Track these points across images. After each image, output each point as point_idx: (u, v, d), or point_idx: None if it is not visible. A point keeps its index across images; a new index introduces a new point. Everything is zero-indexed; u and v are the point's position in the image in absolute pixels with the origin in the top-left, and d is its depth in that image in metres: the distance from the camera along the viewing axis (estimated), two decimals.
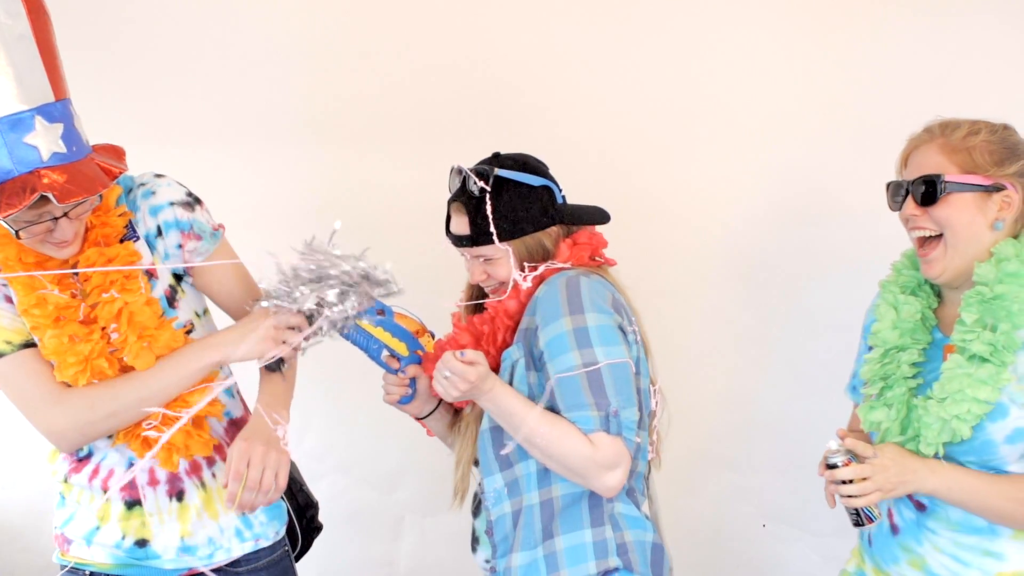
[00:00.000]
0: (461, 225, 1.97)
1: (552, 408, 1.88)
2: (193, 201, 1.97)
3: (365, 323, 1.93)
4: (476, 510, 2.03)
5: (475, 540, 2.02)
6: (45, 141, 1.69)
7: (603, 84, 2.86)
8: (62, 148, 1.70)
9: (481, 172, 1.94)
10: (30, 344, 1.89)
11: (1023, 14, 2.68)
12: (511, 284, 1.98)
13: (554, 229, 1.99)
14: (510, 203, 1.95)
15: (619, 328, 1.91)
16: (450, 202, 1.99)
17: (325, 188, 2.92)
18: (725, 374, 2.92)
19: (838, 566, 2.12)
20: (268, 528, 2.08)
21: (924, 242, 1.88)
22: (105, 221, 1.88)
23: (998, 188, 1.84)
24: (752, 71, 2.83)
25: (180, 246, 1.94)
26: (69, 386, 1.90)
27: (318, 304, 1.78)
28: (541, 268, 1.97)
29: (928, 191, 1.84)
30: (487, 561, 1.98)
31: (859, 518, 1.86)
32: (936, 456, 1.82)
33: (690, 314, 2.88)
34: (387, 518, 3.07)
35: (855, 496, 1.78)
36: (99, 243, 1.88)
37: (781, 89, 2.82)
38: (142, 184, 1.94)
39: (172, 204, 1.93)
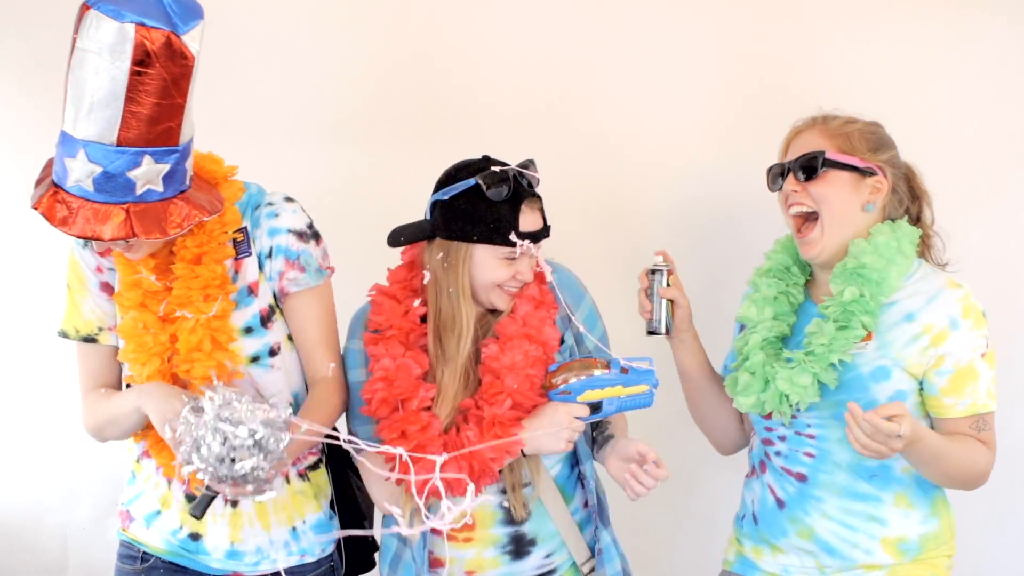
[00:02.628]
0: (538, 219, 2.01)
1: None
2: (311, 234, 2.03)
3: (615, 390, 1.98)
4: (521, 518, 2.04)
5: (529, 543, 2.04)
6: (77, 170, 1.77)
7: (593, 80, 2.87)
8: (89, 187, 1.77)
9: (532, 164, 2.00)
10: (90, 339, 2.01)
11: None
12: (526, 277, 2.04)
13: None
14: None
15: None
16: (520, 202, 1.96)
17: (324, 187, 2.91)
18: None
19: None
20: (315, 545, 2.12)
21: (802, 224, 2.02)
22: (203, 241, 1.94)
23: (871, 172, 1.99)
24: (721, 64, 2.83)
25: (281, 273, 1.99)
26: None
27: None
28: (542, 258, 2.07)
29: (809, 166, 1.98)
30: (547, 556, 2.05)
31: (658, 326, 2.13)
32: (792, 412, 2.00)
33: (692, 314, 2.87)
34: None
35: (862, 439, 1.81)
36: (191, 260, 1.94)
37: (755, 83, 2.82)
38: (270, 204, 2.01)
39: (289, 231, 2.00)
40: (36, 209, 1.79)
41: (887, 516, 1.99)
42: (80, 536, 2.95)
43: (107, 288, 2.01)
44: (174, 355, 1.98)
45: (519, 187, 1.96)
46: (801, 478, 2.03)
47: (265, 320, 2.02)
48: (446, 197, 1.97)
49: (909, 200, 2.08)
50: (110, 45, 1.69)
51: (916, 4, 2.79)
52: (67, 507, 2.95)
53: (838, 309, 1.95)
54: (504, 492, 2.03)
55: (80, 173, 1.76)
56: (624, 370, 1.98)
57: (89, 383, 2.07)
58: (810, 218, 2.02)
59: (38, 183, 1.86)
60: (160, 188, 1.81)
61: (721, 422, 2.24)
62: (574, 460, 2.12)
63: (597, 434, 2.13)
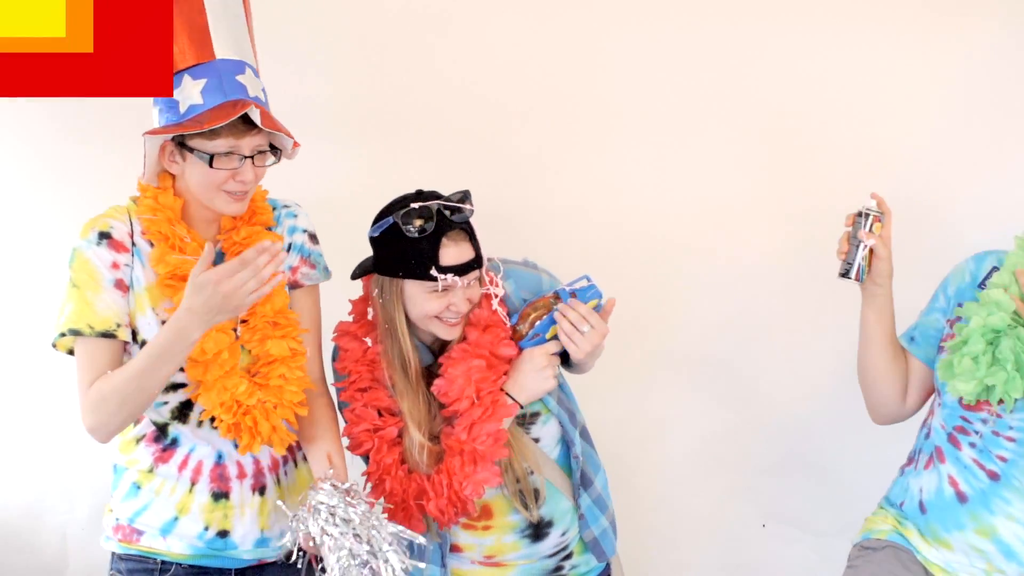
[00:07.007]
0: (464, 251, 1.98)
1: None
2: (316, 238, 2.18)
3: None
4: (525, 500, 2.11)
5: (547, 525, 2.11)
6: (251, 86, 1.96)
7: (616, 84, 2.86)
8: (262, 97, 1.98)
9: (467, 195, 2.00)
10: (108, 335, 1.96)
11: None
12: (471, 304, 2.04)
13: None
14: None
15: None
16: (442, 236, 1.96)
17: (321, 188, 2.92)
18: (725, 374, 2.92)
19: (838, 566, 2.11)
20: None
21: None
22: (260, 209, 2.07)
23: None
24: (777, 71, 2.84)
25: (294, 267, 2.12)
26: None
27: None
28: (499, 273, 2.09)
29: None
30: (563, 534, 2.13)
31: (849, 270, 2.05)
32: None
33: (690, 314, 2.88)
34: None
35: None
36: (253, 223, 2.06)
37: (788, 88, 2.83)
38: (286, 207, 2.16)
39: (304, 231, 2.15)
40: (244, 110, 1.88)
41: None
42: (79, 536, 2.95)
43: (121, 285, 1.99)
44: (238, 332, 2.02)
45: (441, 221, 1.96)
46: (993, 476, 1.96)
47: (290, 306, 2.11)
48: (376, 234, 2.01)
49: None
50: None
51: None
52: (66, 507, 2.95)
53: None
54: (506, 487, 2.08)
55: (254, 88, 1.96)
56: (572, 295, 2.06)
57: (90, 377, 1.97)
58: None
59: (167, 125, 1.92)
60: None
61: (886, 390, 2.13)
62: (565, 443, 2.16)
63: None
